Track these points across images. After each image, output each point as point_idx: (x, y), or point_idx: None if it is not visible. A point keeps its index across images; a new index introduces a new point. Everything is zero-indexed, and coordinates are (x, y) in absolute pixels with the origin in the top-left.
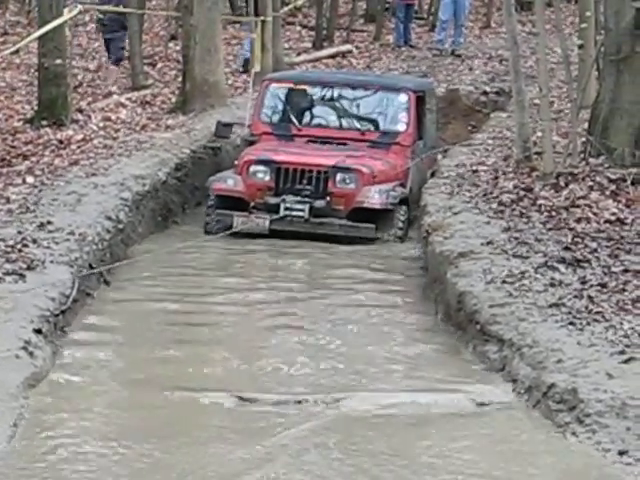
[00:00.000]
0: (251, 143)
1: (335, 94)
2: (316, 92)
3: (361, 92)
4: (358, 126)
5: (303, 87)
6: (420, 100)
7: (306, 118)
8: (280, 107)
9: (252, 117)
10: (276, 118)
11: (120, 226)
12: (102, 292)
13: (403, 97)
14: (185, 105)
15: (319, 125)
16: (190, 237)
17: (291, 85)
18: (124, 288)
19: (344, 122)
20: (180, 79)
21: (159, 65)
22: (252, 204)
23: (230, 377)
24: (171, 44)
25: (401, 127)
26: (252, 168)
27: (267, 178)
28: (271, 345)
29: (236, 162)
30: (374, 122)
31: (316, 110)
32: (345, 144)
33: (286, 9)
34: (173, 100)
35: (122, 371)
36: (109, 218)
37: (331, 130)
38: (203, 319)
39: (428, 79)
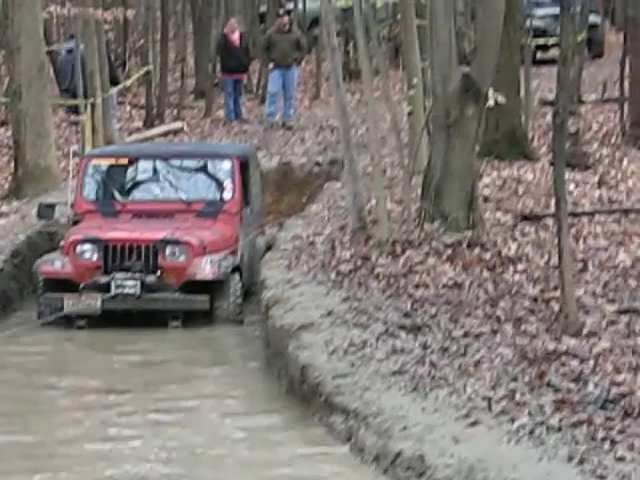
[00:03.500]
0: (75, 222)
1: (157, 166)
2: (138, 165)
3: (184, 162)
4: (183, 197)
5: (124, 161)
6: (244, 166)
7: (130, 193)
8: (102, 183)
9: (74, 196)
10: (99, 195)
11: None
12: None
13: (227, 164)
14: (18, 191)
15: (144, 199)
16: (27, 324)
17: (111, 160)
18: None
19: (169, 194)
20: (12, 165)
21: None
22: (82, 285)
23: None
24: (1, 130)
25: (227, 195)
26: (79, 248)
27: (95, 257)
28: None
29: (62, 243)
30: (199, 192)
31: (139, 184)
32: (172, 216)
33: (119, 87)
34: (6, 186)
35: None
36: None
37: (156, 203)
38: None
39: (249, 144)
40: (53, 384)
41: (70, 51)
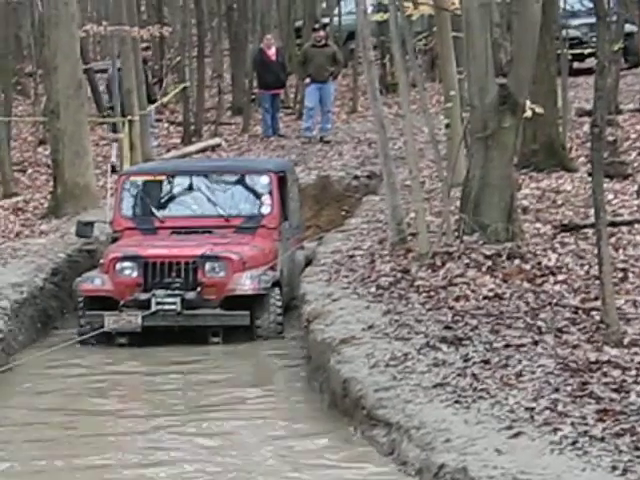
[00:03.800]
0: (114, 240)
1: (195, 182)
2: (176, 182)
3: (221, 178)
4: (222, 212)
5: (161, 178)
6: (282, 181)
7: (168, 209)
8: (140, 200)
9: (113, 213)
10: (137, 212)
11: (0, 335)
12: None
13: (265, 179)
14: (58, 209)
15: (182, 215)
16: (67, 342)
17: (149, 177)
18: (8, 398)
19: (207, 209)
20: (51, 183)
21: (29, 171)
22: (122, 302)
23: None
24: (40, 149)
25: (265, 210)
26: (118, 265)
27: (135, 274)
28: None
29: (101, 260)
30: (238, 207)
31: (177, 200)
32: (210, 232)
33: (156, 104)
34: (45, 205)
35: None
36: None
37: (195, 219)
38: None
39: (287, 159)
40: (94, 406)
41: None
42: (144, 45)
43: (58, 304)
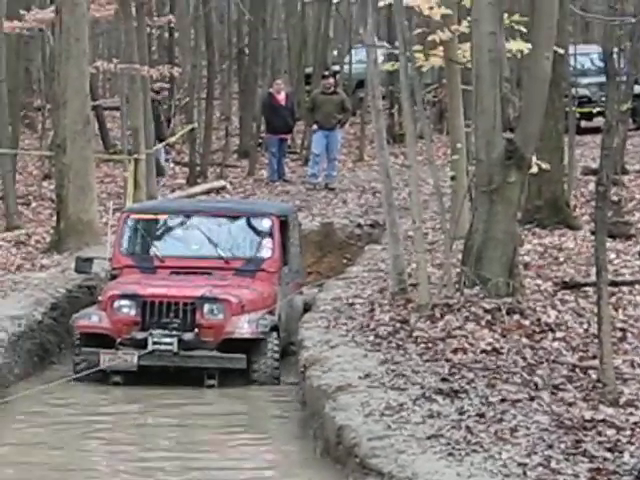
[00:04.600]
0: (113, 277)
1: (197, 222)
2: (177, 221)
3: (223, 219)
4: (222, 254)
5: (163, 217)
6: (284, 225)
7: (168, 249)
8: (141, 239)
9: (113, 250)
10: (137, 250)
11: None
12: None
13: (267, 222)
14: (60, 244)
15: (182, 255)
16: (63, 379)
17: (150, 216)
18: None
19: (207, 251)
20: (54, 218)
21: (33, 204)
22: (119, 340)
23: None
24: (45, 183)
25: (266, 253)
26: (117, 303)
27: (133, 312)
28: None
29: (99, 297)
30: (238, 249)
31: (178, 240)
32: (210, 273)
33: (163, 143)
34: (48, 239)
35: None
36: None
37: (195, 260)
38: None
39: (290, 203)
40: (85, 444)
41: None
42: (158, 86)
43: (56, 339)
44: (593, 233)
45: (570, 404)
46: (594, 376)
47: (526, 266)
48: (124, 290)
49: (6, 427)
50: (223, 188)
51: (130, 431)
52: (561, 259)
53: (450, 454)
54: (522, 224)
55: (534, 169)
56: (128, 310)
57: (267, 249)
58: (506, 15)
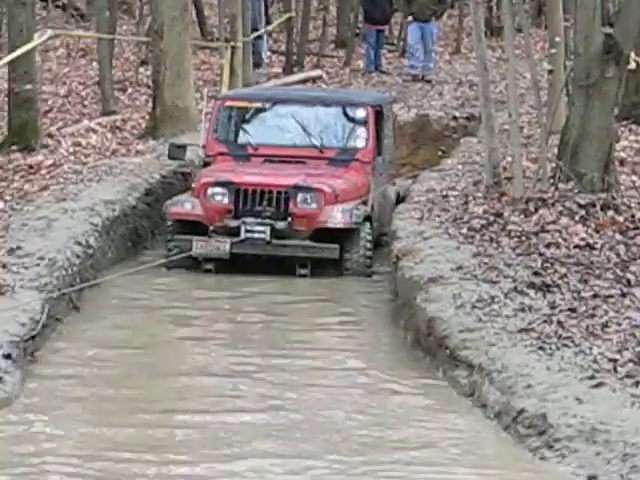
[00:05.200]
0: (206, 164)
1: (291, 111)
2: (271, 110)
3: (318, 108)
4: (316, 143)
5: (257, 105)
6: (379, 115)
7: (262, 137)
8: (234, 126)
9: (206, 137)
10: (231, 137)
11: (90, 251)
12: (72, 318)
13: (361, 112)
14: (155, 130)
15: (276, 144)
16: (154, 264)
17: (245, 103)
18: (94, 314)
19: (302, 139)
20: (150, 104)
21: (129, 90)
22: (211, 228)
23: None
24: (141, 69)
25: (360, 143)
26: (210, 190)
27: (226, 200)
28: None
29: (193, 184)
30: (333, 138)
31: (272, 128)
32: (303, 162)
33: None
34: (143, 125)
35: (90, 398)
36: (79, 243)
37: (289, 148)
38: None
39: (385, 94)
40: (172, 333)
41: None
42: None
43: (149, 224)
44: None
45: None
46: None
47: (622, 162)
48: (218, 178)
49: (100, 308)
50: (319, 77)
51: (222, 322)
52: None
53: (540, 348)
54: (619, 120)
55: (632, 65)
56: (221, 198)
57: (361, 139)
58: None
